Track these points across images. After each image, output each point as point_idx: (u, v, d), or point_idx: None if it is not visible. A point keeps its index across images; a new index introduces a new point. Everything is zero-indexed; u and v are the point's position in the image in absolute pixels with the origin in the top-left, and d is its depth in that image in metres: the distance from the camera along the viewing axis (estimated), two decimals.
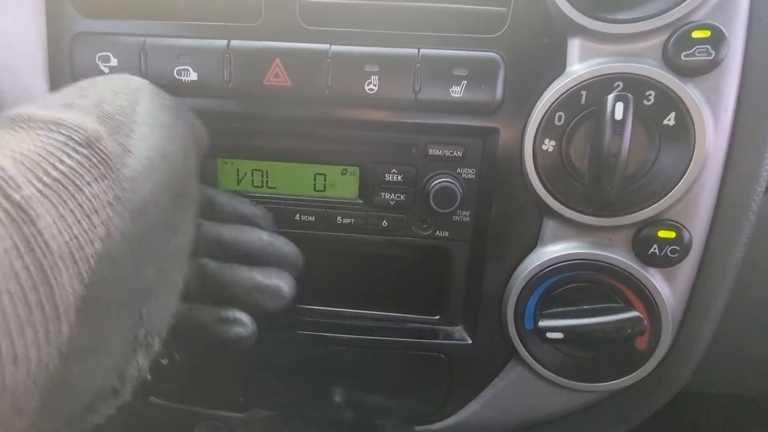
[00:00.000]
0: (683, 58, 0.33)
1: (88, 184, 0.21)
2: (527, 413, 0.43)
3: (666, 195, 0.35)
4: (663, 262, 0.36)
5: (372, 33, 0.37)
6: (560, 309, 0.38)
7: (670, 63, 0.34)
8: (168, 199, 0.26)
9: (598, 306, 0.37)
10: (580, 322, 0.36)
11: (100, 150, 0.23)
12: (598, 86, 0.34)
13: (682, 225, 0.36)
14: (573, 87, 0.35)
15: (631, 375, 0.38)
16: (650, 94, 0.34)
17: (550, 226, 0.38)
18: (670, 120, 0.34)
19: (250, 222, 0.38)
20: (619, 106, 0.33)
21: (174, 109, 0.31)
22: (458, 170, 0.39)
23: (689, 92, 0.33)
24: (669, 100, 0.34)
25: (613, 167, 0.33)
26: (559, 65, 0.36)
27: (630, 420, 0.42)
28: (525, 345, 0.40)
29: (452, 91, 0.36)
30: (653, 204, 0.35)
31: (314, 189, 0.42)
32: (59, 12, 0.39)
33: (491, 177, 0.39)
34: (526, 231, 0.39)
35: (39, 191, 0.20)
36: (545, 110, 0.36)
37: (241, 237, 0.37)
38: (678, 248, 0.36)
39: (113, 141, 0.24)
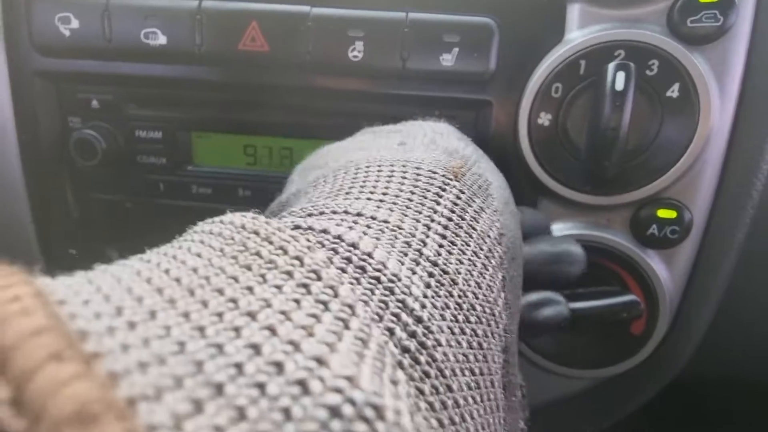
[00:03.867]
0: (689, 24, 0.31)
1: (474, 220, 0.17)
2: None
3: (667, 172, 0.33)
4: (662, 244, 0.34)
5: None
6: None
7: (676, 30, 0.32)
8: (512, 218, 0.22)
9: (594, 289, 0.35)
10: (574, 306, 0.34)
11: (476, 175, 0.20)
12: (598, 55, 0.32)
13: (683, 204, 0.34)
14: (571, 56, 0.32)
15: (626, 361, 0.36)
16: (653, 64, 0.32)
17: (545, 205, 0.36)
18: (673, 91, 0.32)
19: None
20: (620, 76, 0.30)
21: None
22: None
23: (695, 62, 0.31)
24: (673, 70, 0.32)
25: (613, 142, 0.31)
26: (557, 32, 0.33)
27: (624, 407, 0.40)
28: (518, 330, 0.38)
29: (443, 59, 0.34)
30: (654, 181, 0.33)
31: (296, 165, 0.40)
32: None
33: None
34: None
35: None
36: (542, 81, 0.33)
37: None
38: (678, 229, 0.34)
39: (472, 173, 0.21)
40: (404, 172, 0.18)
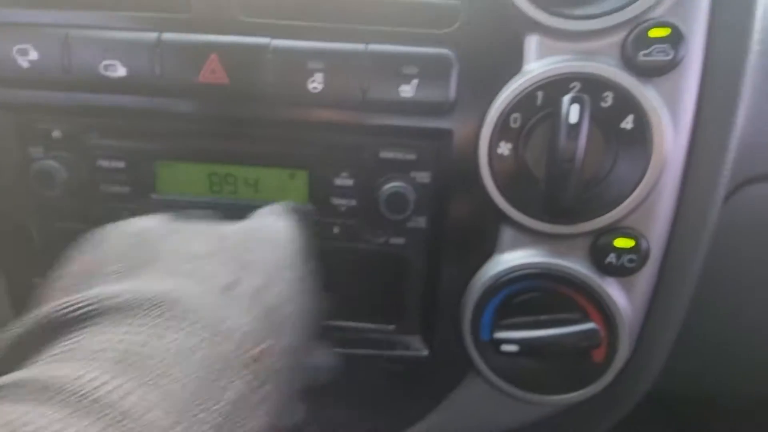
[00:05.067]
0: (641, 57, 0.32)
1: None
2: (486, 426, 0.41)
3: (623, 202, 0.33)
4: (621, 272, 0.35)
5: (316, 27, 0.34)
6: (517, 319, 0.37)
7: (629, 63, 0.32)
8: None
9: (556, 317, 0.36)
10: (536, 334, 0.34)
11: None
12: (555, 87, 0.32)
13: (640, 233, 0.34)
14: (529, 87, 0.33)
15: (588, 388, 0.37)
16: (607, 96, 0.32)
17: (507, 233, 0.37)
18: (627, 123, 0.32)
19: None
20: (575, 108, 0.31)
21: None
22: (412, 174, 0.37)
23: (647, 94, 0.32)
24: (627, 102, 0.32)
25: (568, 173, 0.31)
26: (515, 64, 0.34)
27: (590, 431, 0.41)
28: (482, 356, 0.38)
29: (402, 90, 0.34)
30: (610, 211, 0.33)
31: (261, 194, 0.40)
32: None
33: (446, 182, 0.37)
34: (483, 238, 0.37)
35: None
36: (500, 111, 0.34)
37: None
38: (635, 257, 0.34)
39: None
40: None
